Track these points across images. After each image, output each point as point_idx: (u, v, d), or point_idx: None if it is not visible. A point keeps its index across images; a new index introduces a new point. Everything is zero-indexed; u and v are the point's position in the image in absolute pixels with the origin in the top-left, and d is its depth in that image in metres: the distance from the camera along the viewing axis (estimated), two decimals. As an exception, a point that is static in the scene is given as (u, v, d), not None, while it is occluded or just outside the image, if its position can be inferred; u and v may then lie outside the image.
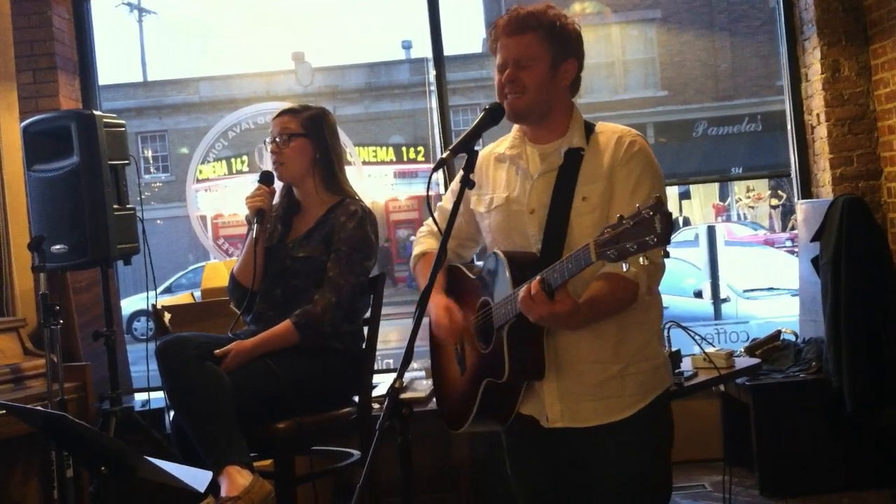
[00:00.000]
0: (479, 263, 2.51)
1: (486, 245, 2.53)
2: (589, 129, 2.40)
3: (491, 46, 2.41)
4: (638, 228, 1.87)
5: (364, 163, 9.72)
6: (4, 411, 3.51)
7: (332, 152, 3.45)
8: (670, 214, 1.85)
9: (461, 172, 2.32)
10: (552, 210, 2.31)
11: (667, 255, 1.91)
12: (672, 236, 1.86)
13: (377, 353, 3.56)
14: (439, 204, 2.70)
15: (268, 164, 3.48)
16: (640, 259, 1.89)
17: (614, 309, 2.26)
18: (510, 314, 2.21)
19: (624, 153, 2.32)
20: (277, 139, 3.39)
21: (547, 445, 2.41)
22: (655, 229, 1.84)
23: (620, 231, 1.90)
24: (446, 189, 3.12)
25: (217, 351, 3.21)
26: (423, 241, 2.71)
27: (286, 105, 3.51)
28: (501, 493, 2.61)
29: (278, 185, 3.49)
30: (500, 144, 2.50)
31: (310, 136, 3.40)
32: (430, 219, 2.67)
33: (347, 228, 3.34)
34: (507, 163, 2.46)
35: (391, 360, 6.09)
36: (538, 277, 2.09)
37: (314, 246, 3.36)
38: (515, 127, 2.47)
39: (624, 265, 1.91)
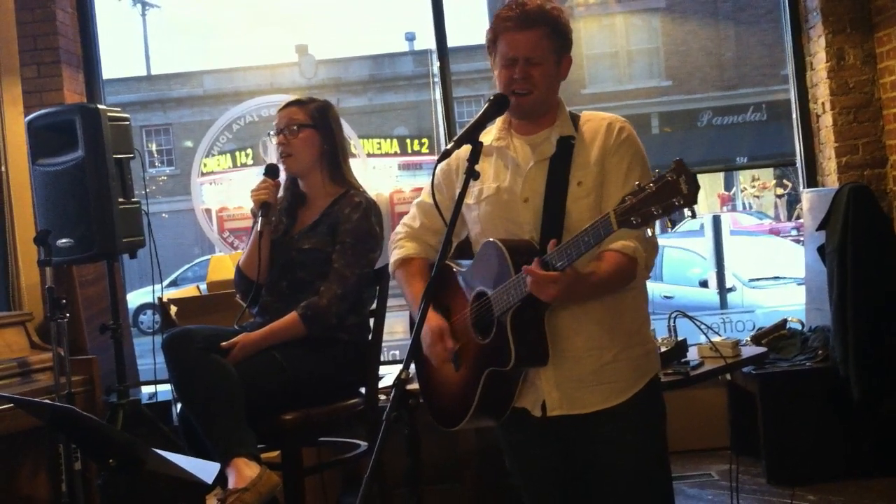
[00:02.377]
0: (466, 261, 2.50)
1: (472, 237, 2.53)
2: (574, 118, 2.43)
3: (491, 38, 2.40)
4: (662, 192, 1.90)
5: (368, 155, 9.69)
6: (12, 405, 3.53)
7: (338, 144, 3.46)
8: (694, 175, 1.87)
9: (436, 168, 2.43)
10: (548, 197, 2.33)
11: (694, 215, 1.93)
12: (698, 196, 1.87)
13: (383, 344, 3.56)
14: (417, 200, 2.67)
15: (272, 157, 3.47)
16: (646, 232, 1.96)
17: (617, 282, 2.28)
18: (513, 299, 2.22)
19: (615, 139, 2.35)
20: (285, 130, 3.39)
21: (544, 436, 2.42)
22: (681, 190, 1.88)
23: (643, 197, 1.92)
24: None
25: (223, 343, 3.21)
26: (403, 245, 2.65)
27: (291, 97, 3.51)
28: (508, 484, 2.61)
29: (283, 177, 3.50)
30: (485, 136, 2.47)
31: (317, 126, 3.40)
32: (406, 218, 2.67)
33: (352, 220, 3.34)
34: (493, 155, 2.46)
35: (397, 352, 6.09)
36: (536, 260, 2.12)
37: (319, 238, 3.37)
38: (501, 118, 2.47)
39: (648, 231, 1.96)
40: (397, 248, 2.66)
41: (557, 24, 2.36)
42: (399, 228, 2.69)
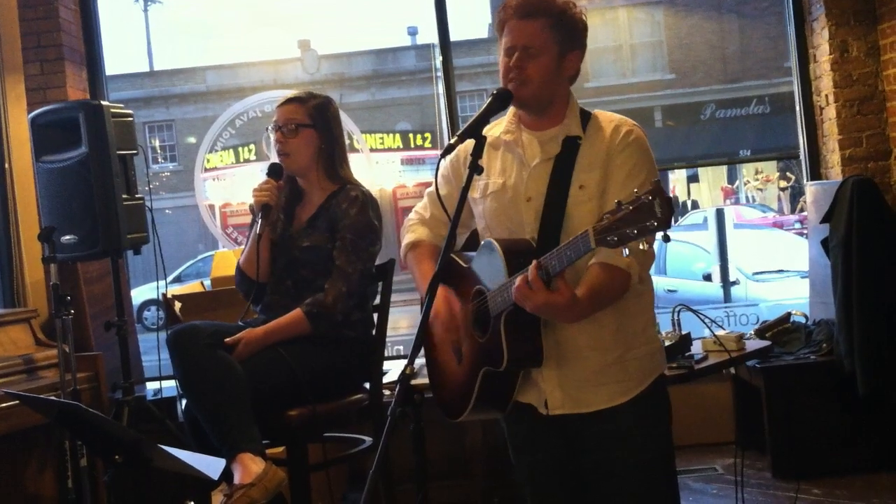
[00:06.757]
0: (471, 254, 2.49)
1: (479, 231, 2.51)
2: (585, 116, 2.38)
3: (497, 27, 2.39)
4: (638, 213, 1.86)
5: (371, 150, 9.71)
6: (18, 402, 3.54)
7: (336, 141, 3.44)
8: (670, 199, 1.85)
9: (444, 160, 2.38)
10: (549, 198, 2.30)
11: (667, 238, 1.90)
12: (673, 220, 1.85)
13: (387, 339, 3.56)
14: (428, 189, 2.66)
15: (275, 154, 3.46)
16: (641, 245, 1.89)
17: (610, 300, 2.26)
18: (507, 302, 2.19)
19: (620, 141, 2.31)
20: (283, 129, 3.38)
21: (549, 432, 2.41)
22: (655, 213, 1.84)
23: (620, 216, 1.89)
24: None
25: (228, 339, 3.21)
26: (414, 230, 2.65)
27: (292, 93, 3.49)
28: (514, 480, 2.61)
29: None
30: (494, 128, 2.46)
31: (317, 126, 3.38)
32: (419, 206, 2.66)
33: (350, 215, 3.33)
34: (501, 149, 2.44)
35: (401, 347, 6.11)
36: (534, 264, 2.08)
37: (318, 234, 3.36)
38: (511, 111, 2.45)
39: (625, 250, 1.91)
40: (409, 232, 2.65)
41: (563, 17, 2.32)
42: (412, 215, 2.69)
